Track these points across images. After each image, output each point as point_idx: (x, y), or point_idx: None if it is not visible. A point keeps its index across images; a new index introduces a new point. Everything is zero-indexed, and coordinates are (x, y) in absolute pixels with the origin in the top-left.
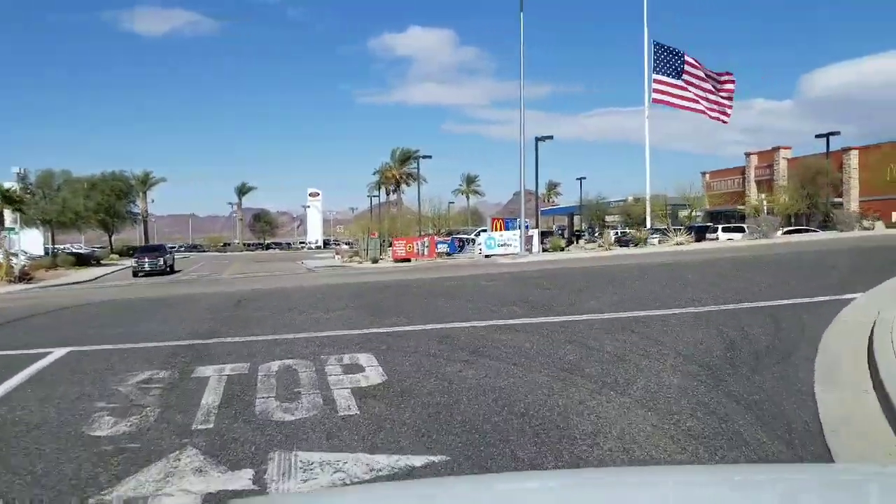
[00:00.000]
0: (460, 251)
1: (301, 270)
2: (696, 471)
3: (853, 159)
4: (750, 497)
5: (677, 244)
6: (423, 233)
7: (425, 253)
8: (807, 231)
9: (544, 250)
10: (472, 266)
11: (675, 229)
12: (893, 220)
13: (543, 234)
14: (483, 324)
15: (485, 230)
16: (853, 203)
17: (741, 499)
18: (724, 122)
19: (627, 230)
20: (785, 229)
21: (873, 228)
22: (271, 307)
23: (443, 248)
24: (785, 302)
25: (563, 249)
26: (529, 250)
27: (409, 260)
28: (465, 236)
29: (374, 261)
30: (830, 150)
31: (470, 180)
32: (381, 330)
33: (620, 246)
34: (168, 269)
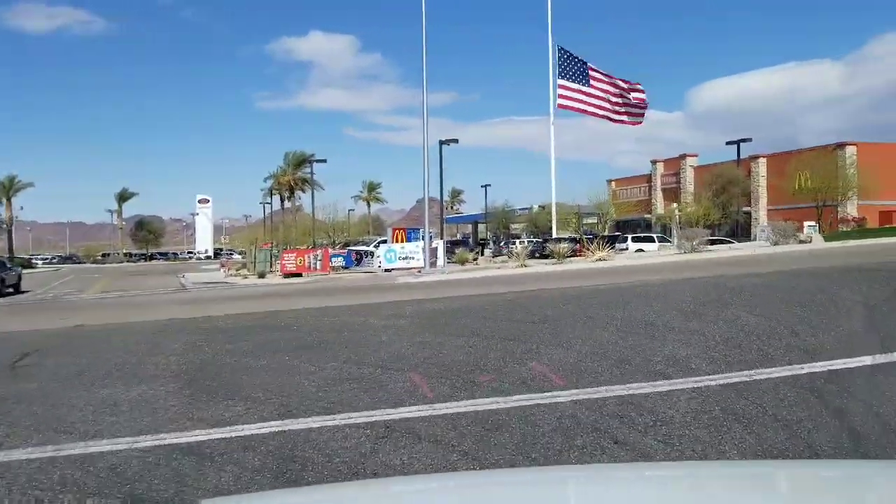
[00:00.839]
0: (357, 265)
1: (174, 287)
2: (693, 466)
3: (761, 167)
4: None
5: (599, 259)
6: (316, 244)
7: (318, 267)
8: (724, 242)
9: (450, 262)
10: (367, 288)
11: (586, 238)
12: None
13: (452, 245)
14: (361, 419)
15: (385, 241)
16: (762, 212)
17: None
18: (639, 122)
19: (546, 243)
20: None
21: (810, 241)
22: (56, 371)
23: (338, 261)
24: (819, 367)
25: (471, 262)
26: (434, 263)
27: (299, 275)
28: (364, 248)
29: (261, 275)
30: (732, 158)
31: (371, 187)
32: (176, 441)
33: (535, 258)
34: (11, 288)
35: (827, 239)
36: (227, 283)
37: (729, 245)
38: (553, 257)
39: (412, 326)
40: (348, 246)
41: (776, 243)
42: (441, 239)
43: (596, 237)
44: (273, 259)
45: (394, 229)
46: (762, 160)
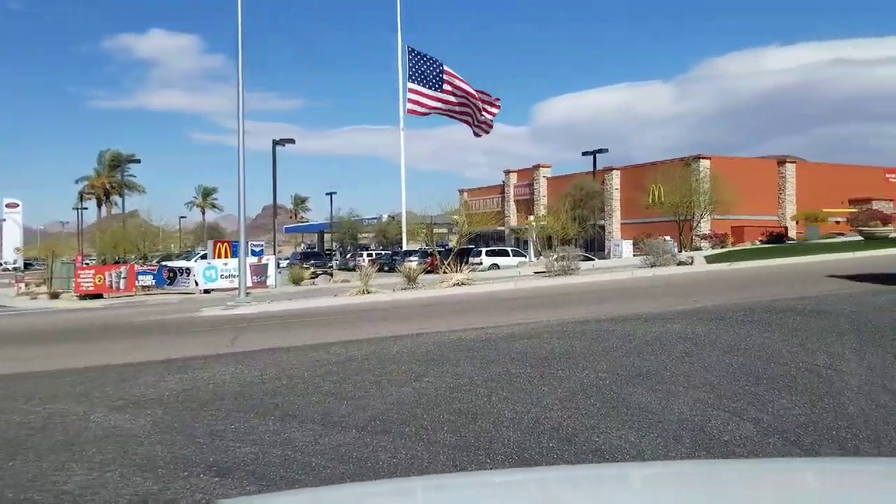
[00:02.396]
0: (170, 283)
1: None
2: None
3: (615, 179)
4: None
5: (458, 284)
6: (126, 259)
7: (122, 286)
8: (585, 258)
9: (295, 282)
10: (140, 328)
11: (439, 251)
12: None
13: (304, 256)
14: None
15: (205, 256)
16: (616, 225)
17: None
18: (487, 132)
19: (396, 255)
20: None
21: (691, 263)
22: None
23: (147, 279)
24: None
25: (308, 280)
26: (265, 283)
27: (100, 295)
28: (181, 264)
29: (54, 295)
30: (584, 169)
31: (207, 192)
32: None
33: (384, 272)
34: None
35: (709, 260)
36: (5, 307)
37: (592, 263)
38: (407, 276)
39: (166, 430)
40: (165, 261)
41: (653, 265)
42: (273, 255)
43: (449, 250)
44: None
45: (215, 242)
46: (616, 172)
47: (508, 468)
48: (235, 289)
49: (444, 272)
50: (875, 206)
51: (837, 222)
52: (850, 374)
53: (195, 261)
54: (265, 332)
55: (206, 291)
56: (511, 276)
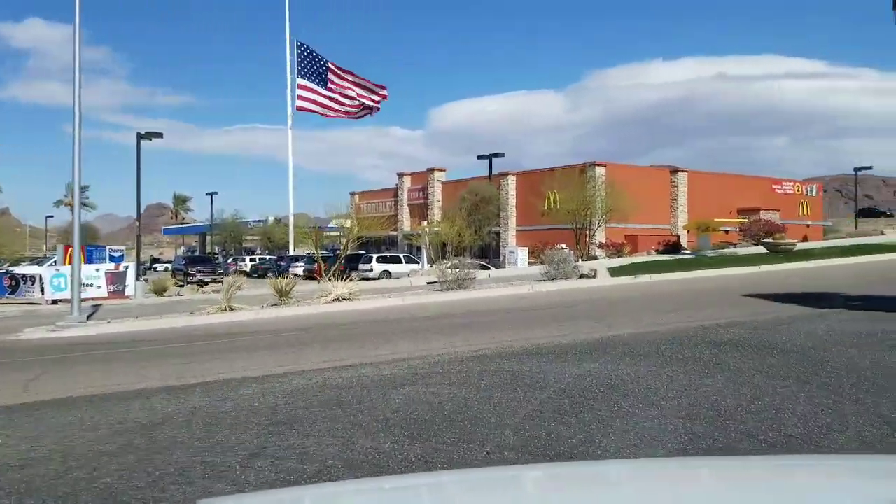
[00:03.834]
0: (13, 293)
1: None
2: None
3: (511, 185)
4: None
5: (338, 299)
6: None
7: None
8: (485, 268)
9: (158, 292)
10: None
11: (327, 257)
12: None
13: (192, 261)
14: None
15: (54, 263)
16: (511, 232)
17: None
18: (371, 114)
19: (281, 261)
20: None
21: (594, 276)
22: None
23: None
24: None
25: (174, 289)
26: (122, 292)
27: None
28: (29, 270)
29: None
30: (481, 175)
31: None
32: None
33: (266, 277)
34: None
35: (613, 272)
36: None
37: (488, 272)
38: (279, 291)
39: None
40: (17, 264)
41: (554, 277)
42: (132, 262)
43: (337, 256)
44: None
45: (66, 247)
46: (512, 177)
47: (493, 466)
48: (89, 299)
49: (330, 280)
50: (763, 216)
51: (727, 231)
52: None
53: (50, 265)
54: (79, 367)
55: (54, 302)
56: (402, 286)
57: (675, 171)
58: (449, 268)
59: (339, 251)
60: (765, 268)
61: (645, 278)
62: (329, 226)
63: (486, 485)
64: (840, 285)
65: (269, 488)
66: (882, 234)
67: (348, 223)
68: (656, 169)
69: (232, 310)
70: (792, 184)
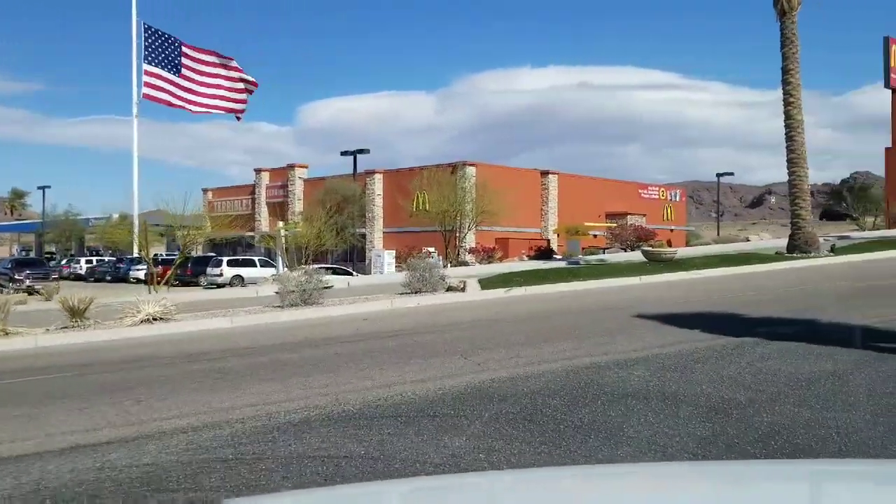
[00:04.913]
0: None
1: None
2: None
3: (378, 184)
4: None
5: (150, 319)
6: None
7: None
8: (342, 272)
9: None
10: None
11: (170, 260)
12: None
13: (19, 264)
14: None
15: None
16: (377, 234)
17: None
18: (238, 117)
19: (120, 263)
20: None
21: (464, 289)
22: None
23: None
24: None
25: None
26: None
27: None
28: None
29: None
30: (348, 173)
31: None
32: None
33: (106, 283)
34: None
35: (484, 285)
36: None
37: (349, 280)
38: (71, 310)
39: None
40: None
41: (418, 290)
42: None
43: (188, 258)
44: None
45: None
46: (379, 176)
47: (502, 470)
48: None
49: (169, 288)
50: (630, 220)
51: (595, 236)
52: None
53: None
54: None
55: None
56: (247, 296)
57: (545, 173)
58: (296, 278)
59: (192, 254)
60: (646, 279)
61: (519, 292)
62: (181, 224)
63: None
64: (734, 302)
65: None
66: (747, 239)
67: (191, 221)
68: (527, 171)
69: (7, 334)
70: (657, 188)
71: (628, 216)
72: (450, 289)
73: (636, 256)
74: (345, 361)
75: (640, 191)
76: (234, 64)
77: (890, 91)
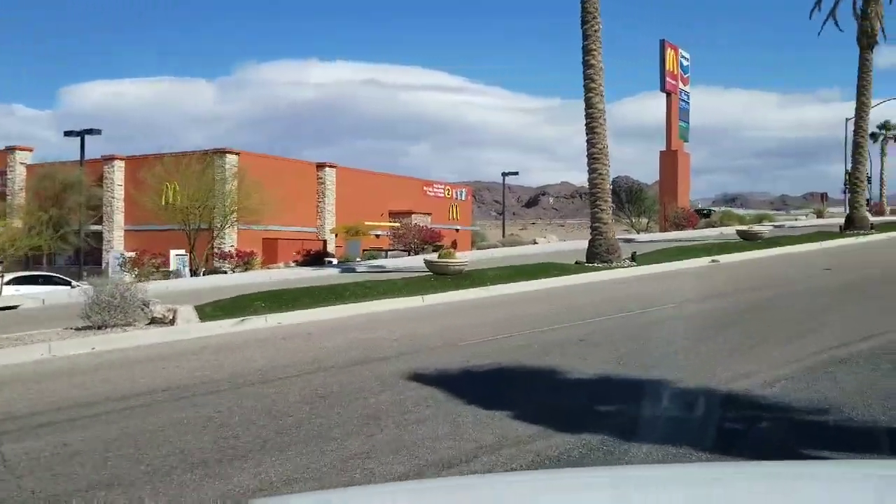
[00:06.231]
0: None
1: None
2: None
3: (118, 172)
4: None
5: None
6: None
7: None
8: (57, 281)
9: None
10: None
11: None
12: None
13: None
14: None
15: None
16: (117, 233)
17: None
18: None
19: None
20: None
21: (173, 321)
22: None
23: None
24: None
25: None
26: None
27: None
28: None
29: None
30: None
31: None
32: None
33: None
34: None
35: (207, 314)
36: None
37: (61, 292)
38: None
39: None
40: None
41: (102, 326)
42: None
43: None
44: None
45: None
46: (119, 163)
47: (511, 472)
48: None
49: None
50: (415, 219)
51: (378, 236)
52: None
53: None
54: None
55: None
56: None
57: (322, 165)
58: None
59: None
60: (431, 299)
61: (256, 323)
62: None
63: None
64: (548, 344)
65: None
66: (534, 241)
67: None
68: (301, 162)
69: None
70: (443, 186)
71: (413, 215)
72: (153, 321)
73: (419, 263)
74: None
75: (425, 188)
76: None
77: (665, 94)
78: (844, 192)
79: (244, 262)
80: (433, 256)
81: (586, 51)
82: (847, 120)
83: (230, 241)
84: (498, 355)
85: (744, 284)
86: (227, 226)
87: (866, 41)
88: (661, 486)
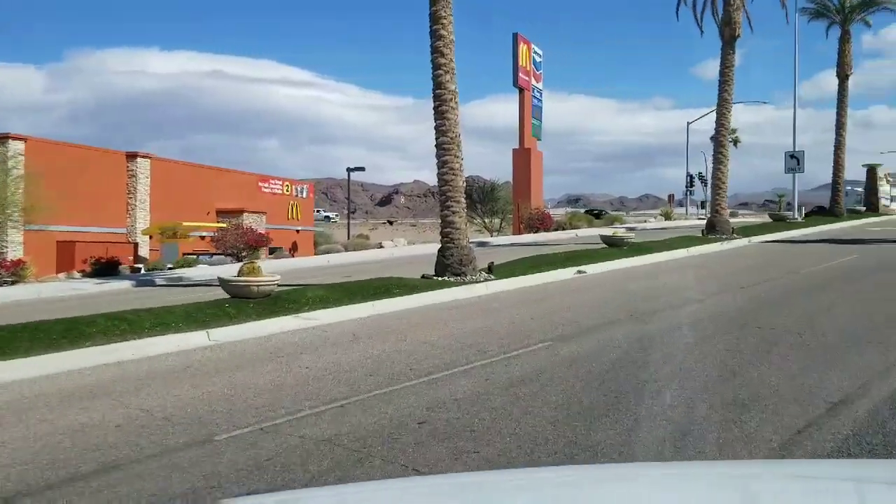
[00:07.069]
0: None
1: None
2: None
3: None
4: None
5: None
6: None
7: None
8: None
9: None
10: None
11: None
12: None
13: None
14: None
15: None
16: None
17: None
18: None
19: None
20: None
21: None
22: None
23: None
24: None
25: None
26: None
27: None
28: None
29: None
30: None
31: None
32: None
33: None
34: None
35: None
36: None
37: None
38: None
39: None
40: None
41: None
42: None
43: None
44: None
45: None
46: None
47: (506, 469)
48: None
49: None
50: (247, 219)
51: (203, 238)
52: None
53: None
54: None
55: None
56: None
57: (133, 155)
58: None
59: None
60: (220, 334)
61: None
62: None
63: (496, 489)
64: (362, 432)
65: None
66: (380, 245)
67: None
68: (107, 152)
69: None
70: (281, 183)
71: (245, 214)
72: None
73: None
74: None
75: (260, 184)
76: None
77: (518, 90)
78: (686, 194)
79: (11, 272)
80: (233, 272)
81: (434, 18)
82: (688, 123)
83: (15, 244)
84: (253, 475)
85: (630, 305)
86: (7, 226)
87: (728, 33)
88: (673, 483)
